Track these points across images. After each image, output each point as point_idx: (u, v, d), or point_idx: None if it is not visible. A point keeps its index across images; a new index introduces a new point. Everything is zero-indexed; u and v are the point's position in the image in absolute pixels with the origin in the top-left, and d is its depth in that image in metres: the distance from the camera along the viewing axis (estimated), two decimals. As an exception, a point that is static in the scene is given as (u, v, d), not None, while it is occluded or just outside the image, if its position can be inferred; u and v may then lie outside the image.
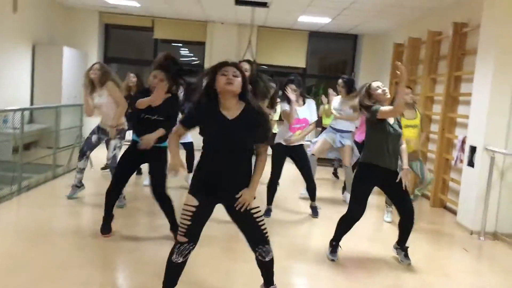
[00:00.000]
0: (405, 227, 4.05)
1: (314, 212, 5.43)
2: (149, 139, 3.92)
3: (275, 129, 5.89)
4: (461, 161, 5.66)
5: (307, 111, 5.23)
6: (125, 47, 11.59)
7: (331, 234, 4.09)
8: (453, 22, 6.17)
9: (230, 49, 9.79)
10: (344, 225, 4.02)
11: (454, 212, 5.83)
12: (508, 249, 4.86)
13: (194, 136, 4.05)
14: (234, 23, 9.93)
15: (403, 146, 4.04)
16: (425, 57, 7.06)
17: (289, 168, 5.45)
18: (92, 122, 5.86)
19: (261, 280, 3.02)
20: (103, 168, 6.88)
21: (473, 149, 5.32)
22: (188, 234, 2.69)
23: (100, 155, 5.80)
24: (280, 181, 5.34)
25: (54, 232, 4.38)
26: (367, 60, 10.18)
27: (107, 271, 3.60)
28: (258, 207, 2.78)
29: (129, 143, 4.20)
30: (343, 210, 4.09)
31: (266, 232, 2.82)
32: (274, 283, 3.00)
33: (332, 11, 7.80)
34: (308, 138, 6.32)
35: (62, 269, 3.46)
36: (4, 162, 5.85)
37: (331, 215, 4.98)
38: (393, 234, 4.32)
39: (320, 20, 8.81)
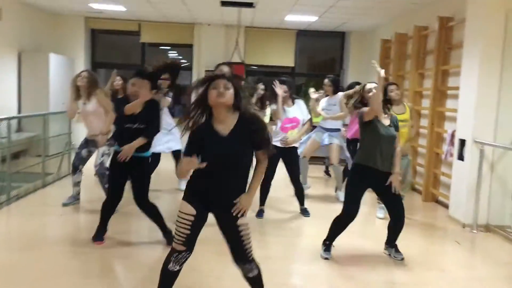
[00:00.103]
0: (394, 229, 4.07)
1: (305, 213, 5.44)
2: (129, 149, 3.90)
3: None
4: (451, 155, 5.69)
5: (297, 110, 5.25)
6: (112, 52, 11.52)
7: (324, 232, 4.09)
8: (439, 16, 6.19)
9: (218, 51, 9.78)
10: (339, 226, 4.01)
11: (446, 206, 5.86)
12: (500, 241, 4.89)
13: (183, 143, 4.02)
14: (221, 24, 9.90)
15: (398, 149, 3.93)
16: (412, 52, 7.09)
17: (281, 168, 5.44)
18: (81, 130, 5.80)
19: None
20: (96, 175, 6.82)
21: (462, 143, 5.35)
22: (186, 243, 2.66)
23: (91, 159, 5.74)
24: (272, 181, 5.34)
25: (45, 240, 4.34)
26: (355, 57, 10.20)
27: (100, 278, 3.56)
28: (247, 224, 2.70)
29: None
30: (335, 207, 4.09)
31: (250, 251, 2.72)
32: None
33: (319, 9, 7.82)
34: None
35: (54, 278, 3.43)
36: (-7, 172, 5.79)
37: (324, 213, 4.98)
38: (386, 230, 4.32)
39: (307, 19, 8.82)
